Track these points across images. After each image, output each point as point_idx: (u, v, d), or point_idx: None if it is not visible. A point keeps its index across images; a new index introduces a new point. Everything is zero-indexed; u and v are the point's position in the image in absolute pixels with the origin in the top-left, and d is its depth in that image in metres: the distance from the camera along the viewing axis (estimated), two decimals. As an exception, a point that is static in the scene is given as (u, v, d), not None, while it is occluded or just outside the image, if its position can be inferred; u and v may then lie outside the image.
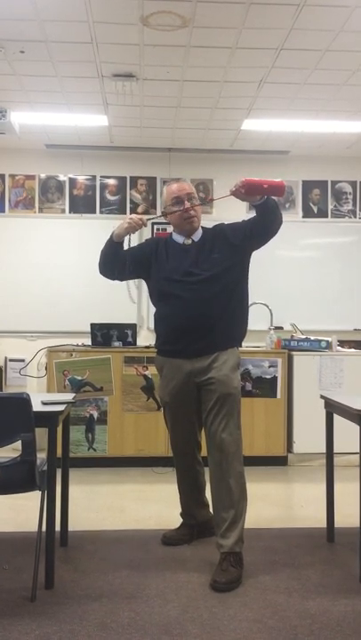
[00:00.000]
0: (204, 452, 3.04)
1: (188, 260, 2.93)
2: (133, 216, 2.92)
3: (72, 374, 4.81)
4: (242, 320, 3.00)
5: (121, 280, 3.20)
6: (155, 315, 3.08)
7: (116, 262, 3.02)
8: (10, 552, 3.05)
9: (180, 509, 3.25)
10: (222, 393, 2.83)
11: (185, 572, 2.82)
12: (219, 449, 2.81)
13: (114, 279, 3.16)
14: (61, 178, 6.11)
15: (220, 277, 2.87)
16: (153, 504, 3.90)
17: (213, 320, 2.85)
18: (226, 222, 3.07)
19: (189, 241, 2.99)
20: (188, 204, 2.94)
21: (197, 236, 3.01)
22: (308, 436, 4.78)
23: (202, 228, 3.05)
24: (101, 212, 6.13)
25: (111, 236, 2.98)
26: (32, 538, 2.77)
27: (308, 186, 6.25)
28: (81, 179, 6.12)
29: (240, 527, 2.79)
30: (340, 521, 3.23)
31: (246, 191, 2.74)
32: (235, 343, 2.96)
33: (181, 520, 3.25)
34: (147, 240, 3.26)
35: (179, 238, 3.03)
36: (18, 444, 2.51)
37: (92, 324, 4.98)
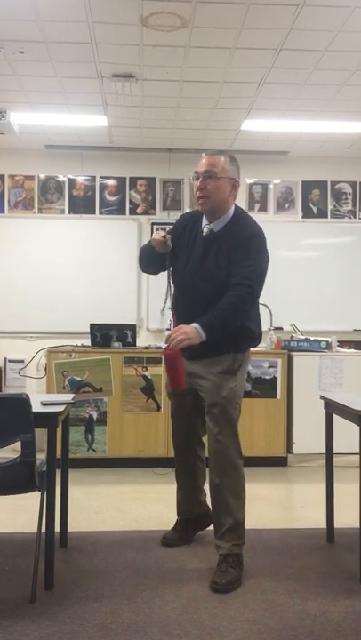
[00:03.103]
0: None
1: (201, 252, 2.83)
2: (155, 236, 2.84)
3: (71, 375, 4.80)
4: (243, 327, 2.85)
5: (165, 271, 3.05)
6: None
7: (152, 261, 3.01)
8: (9, 553, 3.04)
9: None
10: (211, 401, 2.82)
11: (185, 573, 2.82)
12: (214, 455, 2.81)
13: (156, 273, 3.16)
14: (61, 178, 6.11)
15: (224, 285, 2.74)
16: (153, 505, 3.90)
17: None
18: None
19: (208, 230, 2.83)
20: (197, 184, 2.78)
21: (219, 224, 2.84)
22: (308, 437, 4.78)
23: (234, 213, 2.86)
24: (101, 213, 6.12)
25: (150, 241, 2.93)
26: (32, 538, 2.76)
27: (307, 186, 6.25)
28: (80, 179, 6.12)
29: (239, 531, 2.79)
30: (341, 522, 3.23)
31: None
32: (231, 349, 2.82)
33: (177, 518, 3.23)
34: (178, 221, 3.09)
35: (204, 221, 2.89)
36: (17, 445, 2.51)
37: (91, 325, 4.98)
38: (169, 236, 2.88)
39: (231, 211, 2.87)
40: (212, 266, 2.81)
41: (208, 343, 2.67)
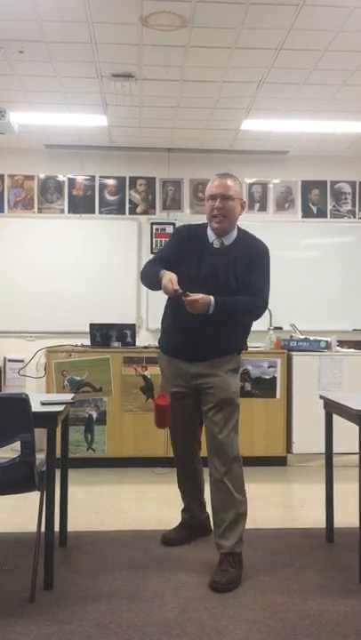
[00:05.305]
0: (203, 452, 3.05)
1: (212, 265, 2.89)
2: (168, 285, 2.74)
3: (71, 375, 4.80)
4: (244, 330, 3.04)
5: None
6: (167, 309, 3.07)
7: (155, 288, 2.97)
8: (9, 552, 3.04)
9: (179, 510, 3.26)
10: (221, 397, 2.85)
11: (184, 572, 2.82)
12: (218, 451, 2.82)
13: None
14: (60, 178, 6.11)
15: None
16: (152, 504, 3.90)
17: (218, 334, 2.85)
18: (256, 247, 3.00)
19: (219, 243, 2.95)
20: (217, 204, 2.89)
21: (230, 239, 2.97)
22: (308, 437, 4.78)
23: (238, 230, 3.01)
24: (100, 213, 6.12)
25: (161, 276, 2.82)
26: (31, 538, 2.77)
27: (307, 186, 6.24)
28: (80, 179, 6.12)
29: (240, 528, 2.80)
30: (340, 521, 3.23)
31: None
32: (235, 351, 2.98)
33: (180, 519, 3.25)
34: (176, 234, 3.17)
35: (211, 234, 2.98)
36: (17, 445, 2.51)
37: (91, 325, 4.98)
38: (180, 291, 2.75)
39: (236, 228, 3.02)
40: (230, 279, 2.88)
41: (220, 346, 2.86)
